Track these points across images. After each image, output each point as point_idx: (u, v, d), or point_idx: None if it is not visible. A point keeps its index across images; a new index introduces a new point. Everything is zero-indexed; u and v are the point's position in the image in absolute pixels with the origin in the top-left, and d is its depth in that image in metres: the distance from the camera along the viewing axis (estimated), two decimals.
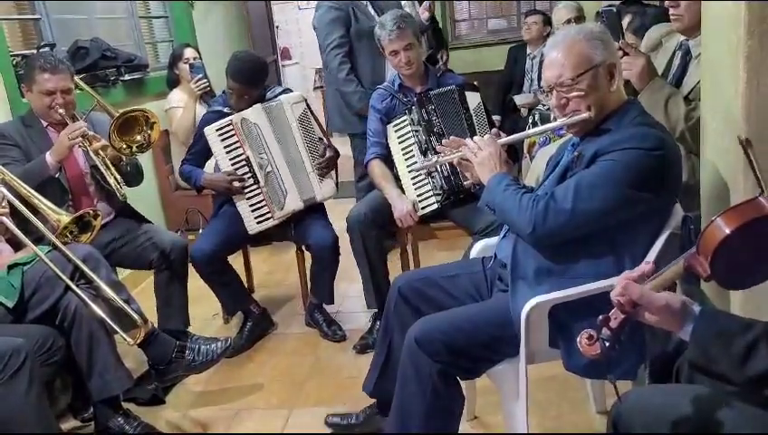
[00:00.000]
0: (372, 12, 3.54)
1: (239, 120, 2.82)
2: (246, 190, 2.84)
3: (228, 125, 2.80)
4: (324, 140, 3.04)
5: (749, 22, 1.56)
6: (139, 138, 2.62)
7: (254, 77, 2.86)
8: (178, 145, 3.84)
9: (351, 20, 3.48)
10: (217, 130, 2.80)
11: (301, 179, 2.93)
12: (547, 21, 4.63)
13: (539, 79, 4.35)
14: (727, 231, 1.11)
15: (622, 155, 1.64)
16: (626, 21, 3.10)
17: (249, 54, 2.99)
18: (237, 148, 2.83)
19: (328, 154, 2.99)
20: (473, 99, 2.81)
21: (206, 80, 3.82)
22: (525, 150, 3.79)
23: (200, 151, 2.96)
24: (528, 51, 4.73)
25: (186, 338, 2.54)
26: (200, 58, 3.96)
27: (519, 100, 4.54)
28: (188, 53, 3.93)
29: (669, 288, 1.21)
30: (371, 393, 2.14)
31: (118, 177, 2.54)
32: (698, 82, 2.13)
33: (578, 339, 1.22)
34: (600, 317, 1.21)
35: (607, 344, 1.19)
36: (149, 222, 2.85)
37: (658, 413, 1.21)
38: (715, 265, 1.13)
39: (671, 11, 2.20)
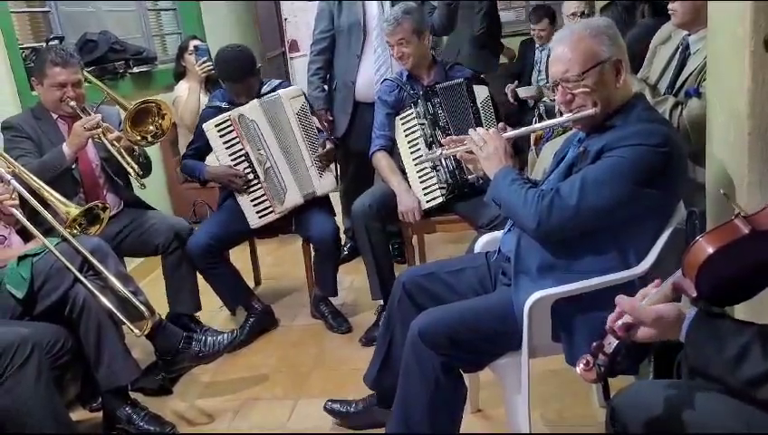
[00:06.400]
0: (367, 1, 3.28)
1: (237, 115, 2.81)
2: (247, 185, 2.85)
3: (227, 121, 2.81)
4: (324, 133, 3.04)
5: (755, 16, 1.56)
6: (151, 128, 2.66)
7: (243, 69, 2.84)
8: (186, 136, 3.85)
9: (334, 13, 3.33)
10: (216, 126, 2.81)
11: (300, 174, 2.92)
12: (553, 19, 4.61)
13: (547, 73, 4.34)
14: (710, 251, 1.13)
15: (628, 151, 1.64)
16: None
17: (232, 49, 2.90)
18: (237, 143, 2.84)
19: (327, 147, 2.99)
20: (480, 92, 2.80)
21: (210, 62, 3.82)
22: (532, 143, 3.78)
23: (201, 147, 2.97)
24: (537, 44, 4.71)
25: (196, 324, 2.54)
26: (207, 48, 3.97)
27: (522, 92, 4.52)
28: (195, 44, 3.95)
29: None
30: (371, 386, 2.15)
31: (135, 166, 2.56)
32: (689, 75, 2.18)
33: (576, 365, 1.26)
34: (594, 344, 1.25)
35: (603, 369, 1.23)
36: (156, 210, 2.87)
37: (654, 409, 1.22)
38: (701, 285, 1.15)
39: (669, 5, 2.24)
